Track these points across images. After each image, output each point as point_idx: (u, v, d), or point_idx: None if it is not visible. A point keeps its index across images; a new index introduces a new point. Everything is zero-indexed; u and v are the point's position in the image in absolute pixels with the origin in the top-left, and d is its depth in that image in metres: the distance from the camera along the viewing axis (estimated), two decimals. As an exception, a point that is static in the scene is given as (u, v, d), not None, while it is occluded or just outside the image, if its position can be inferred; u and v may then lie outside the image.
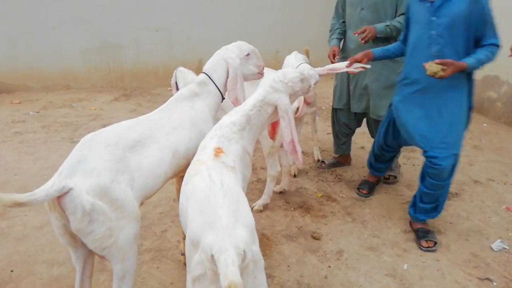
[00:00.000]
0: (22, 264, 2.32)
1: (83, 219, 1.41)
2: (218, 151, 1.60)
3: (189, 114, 1.97)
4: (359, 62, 2.60)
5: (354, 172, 3.54)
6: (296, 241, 2.58)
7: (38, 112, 5.01)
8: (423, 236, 2.56)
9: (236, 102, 2.16)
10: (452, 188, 3.29)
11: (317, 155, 3.73)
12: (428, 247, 2.51)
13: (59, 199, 1.40)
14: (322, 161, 3.63)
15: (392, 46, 2.72)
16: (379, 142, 2.92)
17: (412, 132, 2.52)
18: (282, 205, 3.00)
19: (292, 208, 2.96)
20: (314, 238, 2.61)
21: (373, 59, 2.68)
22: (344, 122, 3.40)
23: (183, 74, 2.84)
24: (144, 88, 6.17)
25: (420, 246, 2.53)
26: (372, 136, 3.37)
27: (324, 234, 2.66)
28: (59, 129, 4.45)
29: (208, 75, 2.13)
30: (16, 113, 4.96)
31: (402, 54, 2.67)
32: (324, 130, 4.43)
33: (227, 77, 2.16)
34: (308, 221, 2.81)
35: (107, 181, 1.48)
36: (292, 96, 1.96)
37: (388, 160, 3.05)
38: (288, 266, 2.34)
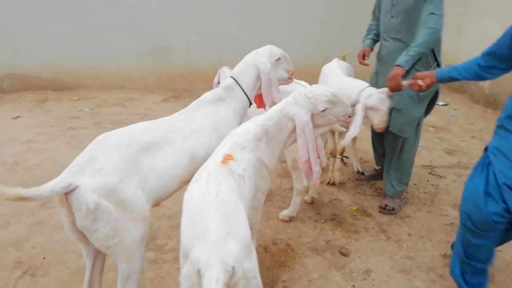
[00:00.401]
0: (55, 252, 2.44)
1: (87, 217, 1.44)
2: (227, 158, 1.55)
3: (211, 118, 1.95)
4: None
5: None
6: (322, 255, 2.46)
7: (92, 110, 5.31)
8: None
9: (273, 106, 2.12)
10: None
11: (357, 166, 3.56)
12: None
13: (66, 195, 1.43)
14: (362, 173, 3.46)
15: (464, 68, 2.03)
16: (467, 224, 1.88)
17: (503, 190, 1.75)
18: (313, 216, 2.89)
19: (322, 220, 2.84)
20: (342, 254, 2.47)
21: (437, 81, 2.20)
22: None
23: (225, 75, 2.86)
24: (192, 90, 6.32)
25: None
26: (387, 152, 2.99)
27: (353, 250, 2.51)
28: (108, 126, 4.68)
29: (235, 80, 2.11)
30: (73, 109, 5.30)
31: (481, 78, 2.02)
32: (368, 140, 4.22)
33: (256, 82, 2.13)
34: (338, 235, 2.67)
35: (114, 181, 1.48)
36: (318, 118, 1.76)
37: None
38: (309, 281, 2.23)
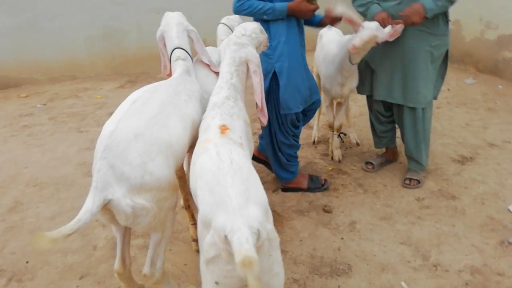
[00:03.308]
0: (37, 255, 2.34)
1: (128, 218, 1.48)
2: (223, 128, 1.56)
3: (196, 87, 1.99)
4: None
5: (364, 143, 3.47)
6: (308, 216, 2.54)
7: (45, 105, 5.02)
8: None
9: (211, 63, 2.25)
10: (466, 152, 3.21)
11: (354, 138, 3.46)
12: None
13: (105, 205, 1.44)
14: (370, 163, 3.04)
15: None
16: None
17: None
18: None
19: (302, 183, 2.92)
20: (326, 211, 2.57)
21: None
22: (376, 109, 2.90)
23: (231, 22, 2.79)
24: (149, 73, 6.11)
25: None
26: (407, 129, 2.73)
27: (336, 207, 2.62)
28: (66, 120, 4.46)
29: (184, 49, 2.12)
30: (23, 106, 4.98)
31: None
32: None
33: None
34: (319, 195, 2.76)
35: (138, 178, 1.45)
36: (258, 50, 1.93)
37: None
38: (301, 240, 2.32)
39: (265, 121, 1.94)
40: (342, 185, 2.87)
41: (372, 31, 2.32)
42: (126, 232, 1.74)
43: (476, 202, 2.58)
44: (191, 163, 1.56)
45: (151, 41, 6.07)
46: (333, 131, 3.17)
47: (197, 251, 2.29)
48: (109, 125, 1.56)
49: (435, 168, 3.00)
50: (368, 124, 3.64)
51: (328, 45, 3.00)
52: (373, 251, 2.20)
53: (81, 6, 5.63)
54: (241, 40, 1.81)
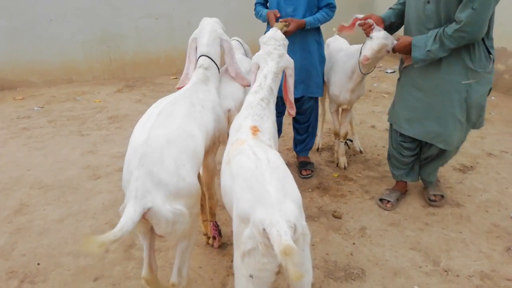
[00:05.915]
0: (48, 257, 2.32)
1: (167, 226, 1.50)
2: (255, 130, 1.62)
3: (209, 97, 2.01)
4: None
5: (367, 151, 3.54)
6: (318, 221, 2.58)
7: (42, 107, 4.96)
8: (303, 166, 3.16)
9: (237, 76, 2.29)
10: (466, 161, 3.30)
11: (358, 146, 3.51)
12: (307, 174, 3.11)
13: (143, 215, 1.45)
14: (385, 200, 2.73)
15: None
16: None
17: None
18: (300, 186, 2.96)
19: (309, 189, 2.96)
20: (335, 217, 2.62)
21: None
22: (400, 142, 2.63)
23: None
24: (146, 78, 6.11)
25: (300, 175, 3.12)
26: (428, 159, 2.64)
27: (345, 212, 2.66)
28: (66, 123, 4.41)
29: (209, 58, 2.15)
30: (20, 109, 4.92)
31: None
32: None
33: (219, 52, 2.23)
34: (327, 201, 2.81)
35: (174, 184, 1.49)
36: None
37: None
38: (313, 245, 2.35)
39: (293, 113, 2.13)
40: (349, 191, 2.92)
41: (381, 40, 2.35)
42: (152, 239, 1.76)
43: (480, 210, 2.66)
44: (224, 163, 1.61)
45: (149, 46, 6.19)
46: (339, 139, 3.24)
47: (208, 243, 2.37)
48: (140, 134, 1.57)
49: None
50: (369, 132, 3.75)
51: (336, 54, 3.08)
52: (385, 256, 2.25)
53: (79, 10, 5.61)
54: (280, 51, 1.93)
